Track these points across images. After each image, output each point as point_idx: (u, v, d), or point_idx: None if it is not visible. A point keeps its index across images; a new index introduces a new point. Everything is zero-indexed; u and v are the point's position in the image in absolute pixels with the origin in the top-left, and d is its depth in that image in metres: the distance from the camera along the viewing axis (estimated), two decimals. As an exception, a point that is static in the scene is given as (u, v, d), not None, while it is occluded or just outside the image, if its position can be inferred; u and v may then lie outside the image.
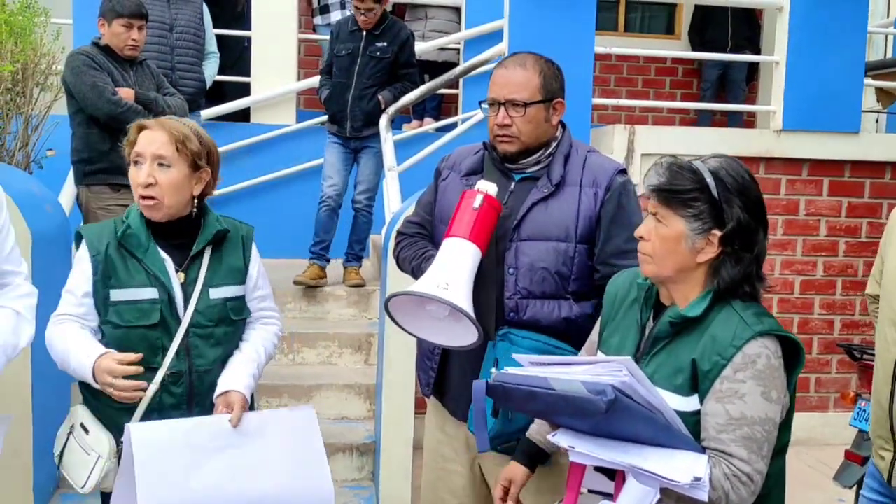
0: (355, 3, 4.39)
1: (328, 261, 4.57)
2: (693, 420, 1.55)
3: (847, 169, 4.45)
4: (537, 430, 1.91)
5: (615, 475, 1.60)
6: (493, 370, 1.72)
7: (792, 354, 1.57)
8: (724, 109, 6.17)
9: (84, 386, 2.02)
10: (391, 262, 2.52)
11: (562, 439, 1.56)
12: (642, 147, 4.29)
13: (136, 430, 1.87)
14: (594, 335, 1.89)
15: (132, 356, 1.92)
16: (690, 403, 1.56)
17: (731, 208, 1.56)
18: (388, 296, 1.92)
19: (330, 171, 4.58)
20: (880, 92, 5.37)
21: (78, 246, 2.05)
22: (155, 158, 1.97)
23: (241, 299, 2.12)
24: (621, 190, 2.09)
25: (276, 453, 1.98)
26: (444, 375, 2.18)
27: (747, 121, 6.84)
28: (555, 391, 1.49)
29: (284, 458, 1.99)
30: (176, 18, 4.29)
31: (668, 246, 1.58)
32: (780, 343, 1.56)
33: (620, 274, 1.85)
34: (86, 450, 1.97)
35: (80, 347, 1.94)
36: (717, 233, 1.57)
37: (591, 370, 1.49)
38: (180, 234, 2.05)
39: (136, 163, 1.99)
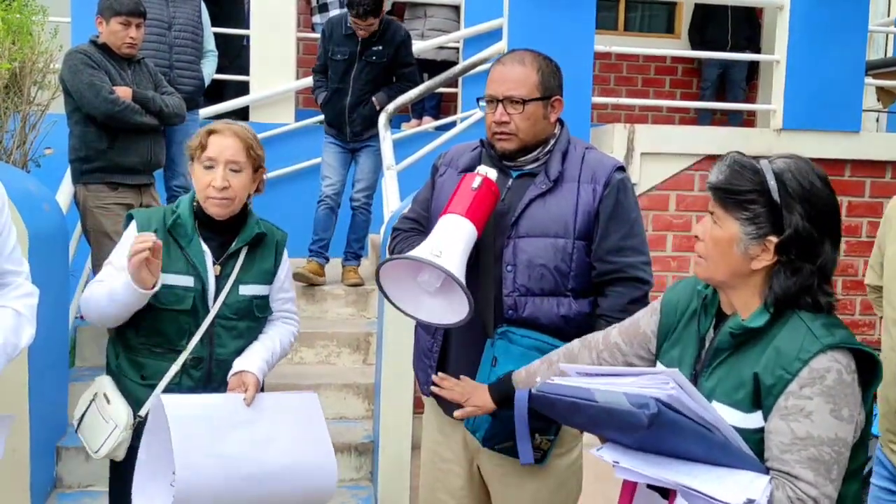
0: (354, 20, 4.33)
1: (327, 259, 4.57)
2: (756, 438, 1.44)
3: (847, 168, 4.43)
4: (524, 378, 1.89)
5: (669, 495, 1.51)
6: (523, 380, 1.68)
7: (867, 368, 1.45)
8: (725, 108, 6.16)
9: (113, 356, 2.20)
10: (389, 260, 2.51)
11: (606, 454, 1.49)
12: (642, 146, 4.27)
13: (167, 400, 2.01)
14: (610, 337, 1.82)
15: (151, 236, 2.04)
16: (753, 420, 1.46)
17: (791, 215, 1.45)
18: (380, 262, 1.89)
19: (328, 171, 4.57)
20: (881, 91, 5.36)
21: (127, 226, 2.21)
22: (228, 164, 2.12)
23: (266, 298, 2.26)
24: (619, 186, 2.08)
25: (285, 431, 2.12)
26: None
27: (747, 120, 6.82)
28: (598, 403, 1.41)
29: (293, 436, 2.13)
30: (174, 16, 4.28)
31: (721, 249, 1.50)
32: (854, 356, 1.43)
33: (680, 282, 1.75)
34: (105, 418, 2.12)
35: (117, 279, 2.07)
36: (774, 239, 1.46)
37: (638, 382, 1.40)
38: (225, 230, 2.19)
39: (207, 167, 2.13)
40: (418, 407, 3.27)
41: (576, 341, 1.89)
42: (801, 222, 1.45)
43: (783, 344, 1.44)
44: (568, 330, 2.05)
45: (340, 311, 4.40)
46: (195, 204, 2.20)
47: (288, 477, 2.09)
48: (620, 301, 2.07)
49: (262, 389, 2.20)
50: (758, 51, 6.65)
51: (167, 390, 2.12)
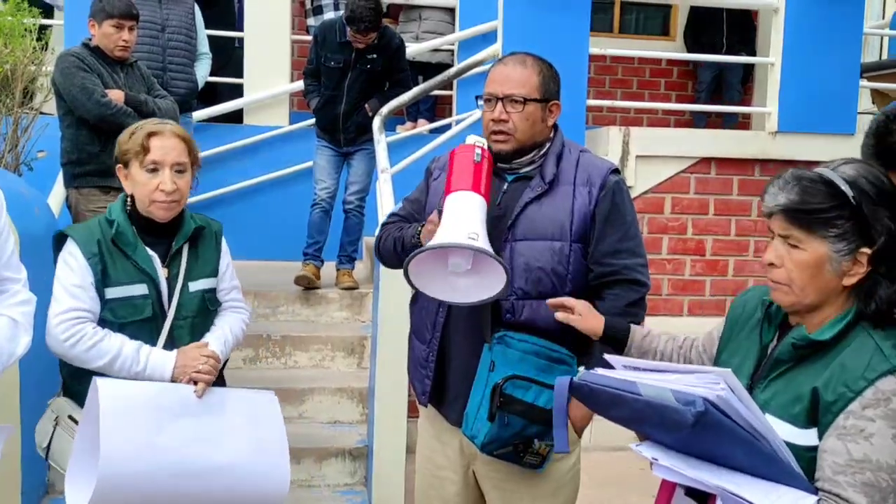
0: (354, 35, 4.29)
1: (322, 262, 4.55)
2: (808, 457, 1.37)
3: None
4: (639, 339, 1.84)
5: (706, 502, 1.43)
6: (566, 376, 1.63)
7: None
8: (720, 111, 6.17)
9: (70, 377, 2.13)
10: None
11: (645, 450, 1.42)
12: (637, 148, 4.27)
13: (103, 384, 1.94)
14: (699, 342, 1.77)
15: (204, 343, 2.14)
16: (807, 437, 1.38)
17: (879, 222, 1.37)
18: (410, 256, 1.85)
19: (321, 174, 4.55)
20: (876, 93, 5.36)
21: (59, 247, 2.11)
22: (174, 166, 2.09)
23: (214, 291, 2.25)
24: (615, 189, 2.08)
25: (237, 429, 2.07)
26: (440, 382, 2.15)
27: (742, 122, 6.83)
28: (641, 397, 1.34)
29: (246, 435, 2.07)
30: (167, 19, 4.25)
31: (809, 272, 1.40)
32: None
33: (750, 289, 1.68)
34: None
35: (147, 349, 2.07)
36: (867, 251, 1.38)
37: (687, 379, 1.33)
38: (164, 231, 2.14)
39: (152, 170, 2.08)
40: (413, 411, 3.26)
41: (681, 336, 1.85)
42: (891, 224, 1.38)
43: (849, 360, 1.36)
44: (565, 334, 2.04)
45: (335, 315, 4.38)
46: (128, 209, 2.14)
47: (232, 476, 2.02)
48: (618, 304, 2.07)
49: (224, 383, 2.21)
50: (753, 53, 6.66)
51: None
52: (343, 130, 4.45)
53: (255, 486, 2.07)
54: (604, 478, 3.63)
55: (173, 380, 2.06)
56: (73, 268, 2.06)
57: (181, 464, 1.96)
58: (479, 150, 1.97)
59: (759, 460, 1.31)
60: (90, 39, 3.60)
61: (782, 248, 1.44)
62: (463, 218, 1.86)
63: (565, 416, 1.66)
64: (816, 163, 4.40)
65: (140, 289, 2.08)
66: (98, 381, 1.94)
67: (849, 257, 1.39)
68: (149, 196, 2.08)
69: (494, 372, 2.00)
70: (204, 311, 2.20)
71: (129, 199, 2.15)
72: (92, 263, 2.05)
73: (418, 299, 2.22)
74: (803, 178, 1.41)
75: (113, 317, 2.05)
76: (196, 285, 2.18)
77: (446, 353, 2.13)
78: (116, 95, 3.48)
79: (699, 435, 1.30)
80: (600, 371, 1.48)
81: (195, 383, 2.07)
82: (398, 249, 2.14)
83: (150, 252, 2.12)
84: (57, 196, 3.82)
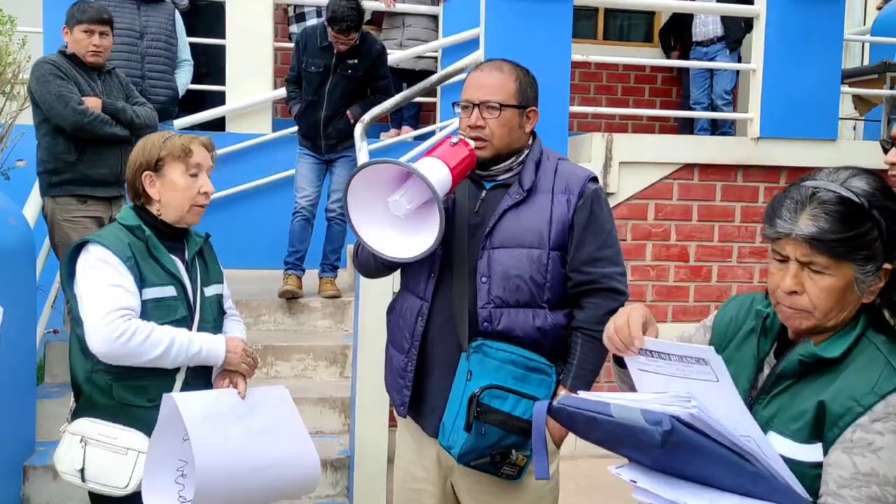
0: (335, 35, 4.28)
1: (303, 271, 4.51)
2: (813, 474, 1.31)
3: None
4: None
5: None
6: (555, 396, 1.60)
7: None
8: (702, 117, 6.19)
9: (100, 393, 2.11)
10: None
11: (625, 473, 1.38)
12: (620, 155, 4.27)
13: (180, 399, 2.04)
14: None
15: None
16: (810, 453, 1.33)
17: None
18: (353, 172, 1.87)
19: (303, 182, 4.52)
20: (857, 99, 5.38)
21: (76, 256, 2.11)
22: (209, 170, 2.21)
23: (222, 297, 2.33)
24: (594, 197, 2.07)
25: (272, 423, 2.19)
26: (417, 393, 2.13)
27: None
28: (613, 418, 1.30)
29: (278, 427, 2.21)
30: (146, 25, 4.21)
31: (836, 297, 1.33)
32: None
33: (735, 297, 1.62)
34: (119, 452, 2.08)
35: (198, 334, 2.16)
36: (889, 266, 1.33)
37: (662, 398, 1.31)
38: (177, 238, 2.22)
39: (193, 175, 2.16)
40: (394, 421, 3.23)
41: None
42: None
43: (858, 375, 1.31)
44: (544, 342, 2.04)
45: (317, 324, 4.34)
46: (142, 215, 2.19)
47: (282, 466, 2.16)
48: (597, 313, 2.06)
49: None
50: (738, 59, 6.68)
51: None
52: (324, 137, 4.42)
53: (298, 471, 2.23)
54: (590, 485, 3.61)
55: (225, 364, 2.20)
56: (108, 270, 2.06)
57: (251, 460, 2.09)
58: (457, 137, 2.00)
59: (744, 478, 1.27)
60: (66, 47, 3.56)
61: (803, 274, 1.35)
62: (417, 165, 1.88)
63: (544, 443, 1.64)
64: (799, 168, 4.38)
65: (169, 290, 2.14)
66: (175, 398, 2.03)
67: (875, 276, 1.34)
68: (190, 200, 2.15)
69: (471, 381, 1.98)
70: (219, 316, 2.29)
71: (142, 207, 2.18)
72: (129, 265, 2.07)
73: (395, 308, 2.20)
74: (824, 201, 1.31)
75: (148, 318, 2.08)
76: (210, 290, 2.26)
77: (424, 364, 2.11)
78: (93, 103, 3.44)
79: (674, 454, 1.26)
80: (582, 394, 1.45)
81: (234, 385, 2.19)
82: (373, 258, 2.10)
83: (174, 256, 2.18)
84: (33, 205, 3.77)
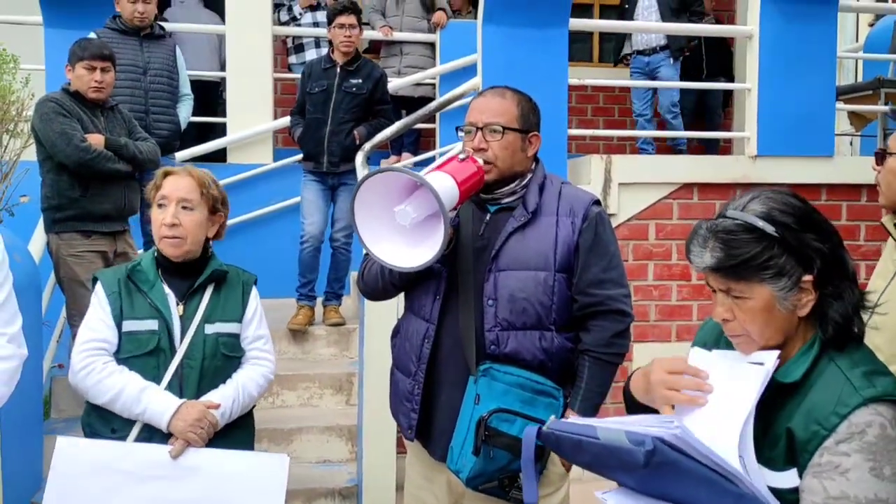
0: (338, 28, 4.39)
1: (315, 301, 4.54)
2: (793, 499, 1.32)
3: (823, 192, 4.46)
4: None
5: None
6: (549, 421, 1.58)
7: None
8: (698, 137, 6.23)
9: (85, 412, 2.16)
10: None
11: (610, 497, 1.40)
12: (619, 176, 4.29)
13: (62, 443, 1.97)
14: None
15: (216, 403, 2.12)
16: (787, 480, 1.33)
17: (809, 246, 1.35)
18: (362, 179, 1.85)
19: (309, 208, 4.54)
20: (853, 115, 5.42)
21: (94, 287, 2.23)
22: (180, 202, 2.16)
23: (235, 337, 2.24)
24: (598, 220, 2.10)
25: (222, 495, 2.02)
26: (425, 417, 2.13)
27: (724, 147, 6.89)
28: (598, 440, 1.33)
29: (227, 500, 2.03)
30: (149, 62, 4.26)
31: (762, 318, 1.36)
32: None
33: (706, 322, 1.63)
34: None
35: (152, 392, 2.08)
36: (809, 277, 1.35)
37: (645, 420, 1.34)
38: (189, 272, 2.21)
39: (160, 205, 2.18)
40: (401, 447, 3.22)
41: None
42: (820, 245, 1.36)
43: (819, 396, 1.32)
44: (551, 365, 2.04)
45: (322, 352, 4.35)
46: (156, 251, 2.23)
47: None
48: (604, 335, 2.07)
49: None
50: (732, 78, 6.74)
51: (138, 439, 2.10)
52: (327, 153, 4.44)
53: None
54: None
55: (169, 429, 2.07)
56: (96, 304, 2.16)
57: None
58: (465, 153, 2.02)
59: (729, 499, 1.27)
60: (69, 84, 3.60)
61: (727, 302, 1.39)
62: (428, 176, 1.87)
63: (534, 468, 1.66)
64: (797, 185, 4.42)
65: (150, 324, 2.13)
66: (59, 441, 1.98)
67: (794, 291, 1.35)
68: (157, 231, 2.18)
69: (479, 405, 1.99)
70: (217, 355, 2.19)
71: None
72: (112, 299, 2.14)
73: (400, 331, 2.21)
74: (719, 231, 1.37)
75: (120, 352, 2.11)
76: (213, 328, 2.19)
77: (432, 387, 2.11)
78: (96, 140, 3.47)
79: (658, 475, 1.27)
80: (571, 418, 1.48)
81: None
82: (384, 271, 2.11)
83: (168, 290, 2.18)
84: (38, 241, 3.79)
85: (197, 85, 4.98)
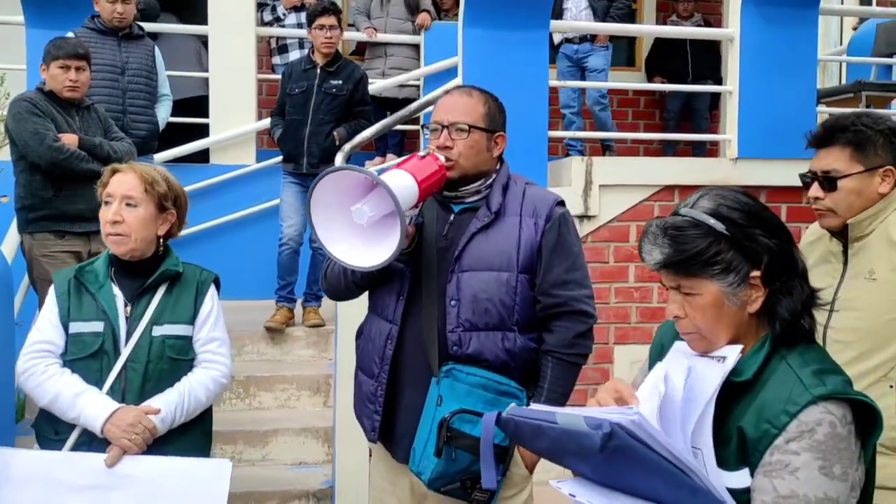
0: (317, 29, 4.39)
1: (295, 302, 4.52)
2: (745, 499, 1.32)
3: (804, 195, 4.46)
4: None
5: None
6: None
7: (866, 417, 1.32)
8: (683, 139, 6.23)
9: (36, 423, 2.14)
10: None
11: (565, 487, 1.39)
12: (600, 178, 4.28)
13: (5, 454, 1.95)
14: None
15: (154, 408, 2.07)
16: (739, 479, 1.33)
17: (756, 241, 1.37)
18: (317, 178, 1.83)
19: (288, 210, 4.53)
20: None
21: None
22: (123, 199, 2.13)
23: (185, 339, 2.19)
24: (561, 220, 2.10)
25: (161, 503, 1.98)
26: (388, 418, 2.12)
27: (711, 149, 6.89)
28: (557, 425, 1.32)
29: None
30: (127, 62, 4.24)
31: (712, 314, 1.37)
32: (850, 407, 1.31)
33: (664, 324, 1.65)
34: None
35: (89, 396, 2.04)
36: (757, 273, 1.37)
37: (605, 409, 1.33)
38: (141, 272, 2.17)
39: (106, 203, 2.15)
40: (375, 450, 3.20)
41: None
42: (768, 241, 1.37)
43: (770, 395, 1.33)
44: (513, 366, 2.04)
45: (301, 353, 4.33)
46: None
47: None
48: (567, 336, 2.07)
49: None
50: (720, 80, 6.74)
51: (78, 444, 2.07)
52: (307, 154, 4.43)
53: None
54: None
55: (103, 434, 2.03)
56: (46, 305, 2.16)
57: None
58: (427, 151, 2.02)
59: (683, 492, 1.27)
60: (44, 84, 3.58)
61: (678, 299, 1.41)
62: (386, 175, 1.87)
63: (492, 454, 1.64)
64: (778, 187, 4.41)
65: (95, 326, 2.10)
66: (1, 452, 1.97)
67: (742, 286, 1.37)
68: (103, 229, 2.15)
69: (442, 406, 1.98)
70: (164, 358, 2.14)
71: None
72: (60, 301, 2.12)
73: (363, 332, 2.20)
74: (668, 227, 1.39)
75: (66, 354, 2.10)
76: (161, 330, 2.15)
77: (395, 388, 2.11)
78: (70, 139, 3.46)
79: (614, 463, 1.27)
80: (533, 405, 1.47)
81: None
82: (348, 271, 2.09)
83: (116, 291, 2.14)
84: (11, 242, 3.77)
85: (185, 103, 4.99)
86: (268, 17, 5.90)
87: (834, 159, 2.01)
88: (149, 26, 4.72)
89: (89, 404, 2.04)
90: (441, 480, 1.97)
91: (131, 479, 2.00)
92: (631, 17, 6.34)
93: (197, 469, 2.07)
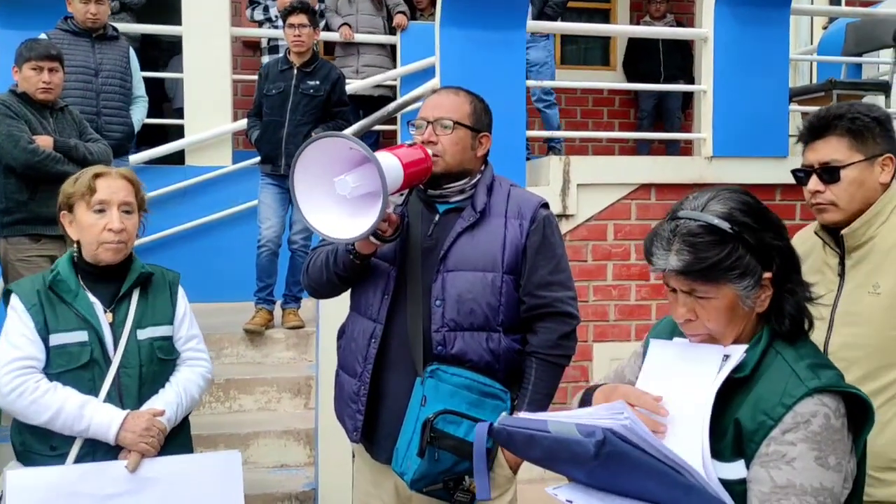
0: (290, 21, 4.39)
1: (274, 304, 4.50)
2: (740, 490, 1.34)
3: (778, 193, 4.53)
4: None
5: None
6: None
7: (858, 411, 1.35)
8: (658, 138, 6.29)
9: (16, 432, 2.07)
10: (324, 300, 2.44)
11: (561, 493, 1.40)
12: (578, 177, 4.32)
13: (13, 477, 1.88)
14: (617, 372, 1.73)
15: (160, 410, 2.06)
16: (734, 470, 1.35)
17: (769, 244, 1.38)
18: (306, 143, 1.80)
19: (266, 212, 4.51)
20: (806, 116, 5.52)
21: (7, 302, 2.11)
22: (121, 206, 2.09)
23: (169, 340, 2.19)
24: (545, 222, 2.11)
25: (185, 500, 2.01)
26: (371, 419, 2.12)
27: (685, 148, 6.97)
28: (550, 434, 1.34)
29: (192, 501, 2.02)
30: (101, 63, 4.19)
31: (725, 317, 1.39)
32: (843, 400, 1.34)
33: (662, 320, 1.66)
34: None
35: (93, 406, 2.00)
36: (768, 275, 1.38)
37: (595, 413, 1.34)
38: (112, 278, 2.12)
39: (99, 211, 2.07)
40: (358, 451, 3.20)
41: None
42: (778, 243, 1.39)
43: (766, 388, 1.35)
44: (498, 367, 2.05)
45: (281, 355, 4.31)
46: (74, 257, 2.14)
47: None
48: (551, 337, 2.08)
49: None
50: (691, 80, 6.82)
51: (81, 455, 2.03)
52: (284, 155, 4.41)
53: None
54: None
55: (117, 442, 2.02)
56: (15, 319, 2.05)
57: None
58: (415, 142, 2.03)
59: (678, 492, 1.29)
60: (17, 86, 3.53)
61: (689, 301, 1.41)
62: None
63: (485, 464, 1.65)
64: (752, 185, 4.45)
65: (80, 336, 2.04)
66: (7, 473, 1.90)
67: (756, 288, 1.38)
68: (97, 238, 2.08)
69: (426, 406, 1.98)
70: (154, 360, 2.14)
71: (76, 248, 2.14)
72: (34, 313, 2.03)
73: (345, 332, 2.19)
74: (687, 235, 1.37)
75: (50, 367, 2.02)
76: (145, 333, 2.13)
77: (378, 388, 2.10)
78: (45, 141, 3.41)
79: (608, 467, 1.28)
80: (522, 414, 1.48)
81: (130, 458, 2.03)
82: (329, 262, 2.09)
83: (93, 298, 2.08)
84: (-15, 246, 3.70)
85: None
86: (259, 16, 5.84)
87: (833, 149, 1.89)
88: (122, 27, 4.66)
89: (98, 414, 2.01)
90: (424, 481, 1.97)
91: (153, 481, 2.02)
92: (597, 15, 6.31)
93: (209, 463, 2.14)
